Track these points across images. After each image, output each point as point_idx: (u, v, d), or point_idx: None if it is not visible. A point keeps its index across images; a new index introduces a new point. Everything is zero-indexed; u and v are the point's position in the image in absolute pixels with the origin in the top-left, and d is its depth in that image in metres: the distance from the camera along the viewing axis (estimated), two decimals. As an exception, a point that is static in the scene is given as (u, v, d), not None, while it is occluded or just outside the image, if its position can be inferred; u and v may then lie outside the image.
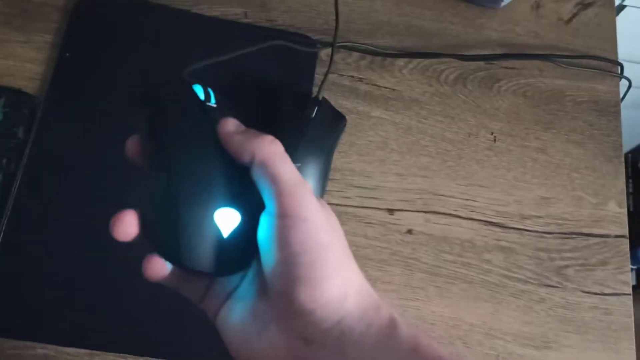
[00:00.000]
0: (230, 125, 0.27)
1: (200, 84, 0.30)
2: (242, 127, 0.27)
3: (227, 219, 0.25)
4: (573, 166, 0.52)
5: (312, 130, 0.45)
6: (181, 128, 0.27)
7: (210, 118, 0.27)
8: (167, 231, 0.25)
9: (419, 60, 0.52)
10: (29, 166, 0.44)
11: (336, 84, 0.50)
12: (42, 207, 0.43)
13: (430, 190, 0.49)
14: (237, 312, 0.26)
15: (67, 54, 0.47)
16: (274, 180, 0.24)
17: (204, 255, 0.25)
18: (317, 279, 0.23)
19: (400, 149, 0.50)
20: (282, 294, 0.24)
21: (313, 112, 0.46)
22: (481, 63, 0.53)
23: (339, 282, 0.24)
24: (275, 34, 0.50)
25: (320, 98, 0.46)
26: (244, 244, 0.26)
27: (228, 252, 0.25)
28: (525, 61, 0.54)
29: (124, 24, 0.49)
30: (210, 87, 0.30)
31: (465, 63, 0.53)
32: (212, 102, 0.29)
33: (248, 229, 0.26)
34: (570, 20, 0.56)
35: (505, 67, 0.53)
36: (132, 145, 0.28)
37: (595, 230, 0.50)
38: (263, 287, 0.26)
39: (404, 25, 0.53)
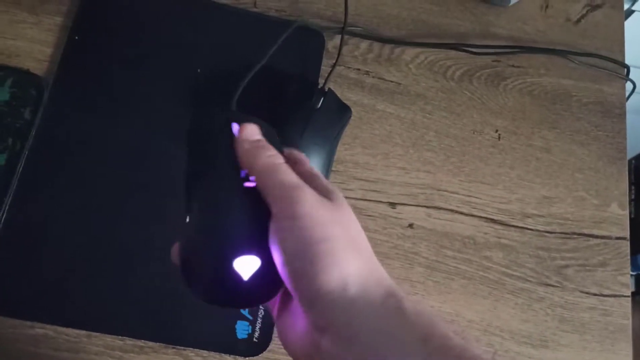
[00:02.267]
0: (247, 132, 0.29)
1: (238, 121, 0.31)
2: (257, 137, 0.30)
3: (246, 265, 0.27)
4: (576, 166, 0.52)
5: (317, 120, 0.45)
6: (210, 174, 0.29)
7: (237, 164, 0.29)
8: (195, 270, 0.28)
9: (426, 55, 0.52)
10: (34, 147, 0.44)
11: (342, 76, 0.50)
12: (45, 188, 0.43)
13: (432, 186, 0.49)
14: (285, 312, 0.29)
15: (77, 37, 0.47)
16: (267, 192, 0.27)
17: (226, 296, 0.28)
18: (314, 272, 0.25)
19: (404, 143, 0.50)
20: (292, 290, 0.26)
21: (319, 102, 0.46)
22: (488, 60, 0.53)
23: (337, 273, 0.25)
24: (284, 24, 0.50)
25: (327, 89, 0.47)
26: (264, 283, 0.27)
27: (249, 292, 0.27)
28: (532, 60, 0.54)
29: (134, 9, 0.49)
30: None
31: (472, 60, 0.53)
32: None
33: (268, 269, 0.27)
34: (578, 21, 0.56)
35: (512, 66, 0.53)
36: None
37: (596, 231, 0.50)
38: None
39: (411, 19, 0.53)
